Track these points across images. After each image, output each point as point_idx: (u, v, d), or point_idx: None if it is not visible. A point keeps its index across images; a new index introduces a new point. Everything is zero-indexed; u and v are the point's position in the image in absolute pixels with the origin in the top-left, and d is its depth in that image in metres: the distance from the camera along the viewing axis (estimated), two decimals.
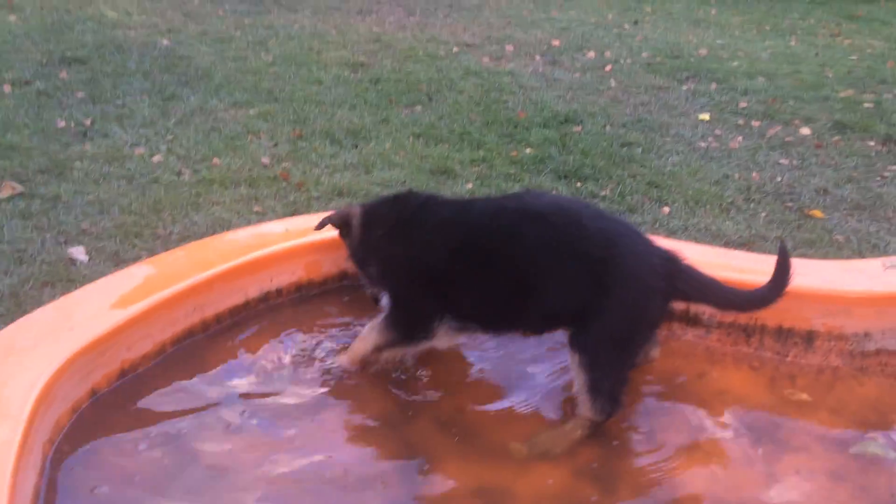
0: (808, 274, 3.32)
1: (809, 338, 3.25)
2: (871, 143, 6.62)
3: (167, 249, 4.39)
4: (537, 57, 9.24)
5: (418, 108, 7.19)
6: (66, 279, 4.08)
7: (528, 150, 6.13)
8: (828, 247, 4.70)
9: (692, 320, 3.35)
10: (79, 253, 4.38)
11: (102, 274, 3.66)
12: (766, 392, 3.11)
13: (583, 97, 7.65)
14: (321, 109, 6.89)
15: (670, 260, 2.86)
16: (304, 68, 8.16)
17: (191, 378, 2.99)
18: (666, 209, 5.22)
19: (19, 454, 2.25)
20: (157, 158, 5.64)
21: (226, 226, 4.59)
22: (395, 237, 2.90)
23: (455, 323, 2.93)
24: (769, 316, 3.27)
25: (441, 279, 2.84)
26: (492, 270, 2.81)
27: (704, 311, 3.34)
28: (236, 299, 3.35)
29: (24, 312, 2.91)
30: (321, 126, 6.48)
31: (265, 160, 5.66)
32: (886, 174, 5.92)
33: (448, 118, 6.85)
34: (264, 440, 2.73)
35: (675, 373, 3.15)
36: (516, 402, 2.99)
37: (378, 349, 2.96)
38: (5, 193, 4.94)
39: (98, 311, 2.87)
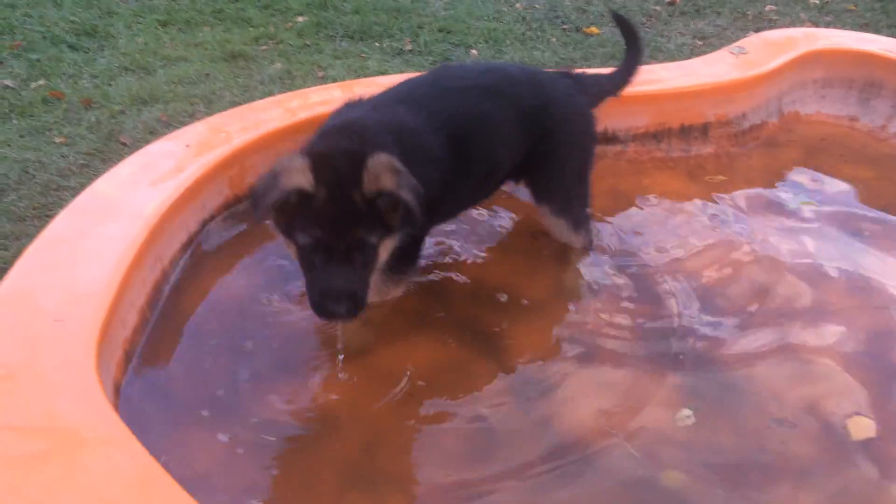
0: (689, 74, 3.75)
1: (705, 130, 3.71)
2: None
3: None
4: None
5: None
6: None
7: (299, 19, 5.66)
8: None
9: (610, 139, 3.61)
10: None
11: None
12: (691, 183, 3.52)
13: None
14: (21, 14, 5.53)
15: (573, 76, 3.01)
16: None
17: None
18: (474, 52, 5.30)
19: None
20: None
21: (37, 167, 3.65)
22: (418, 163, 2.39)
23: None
24: (673, 119, 3.65)
25: (445, 187, 2.54)
26: (476, 154, 2.62)
27: (619, 127, 3.62)
28: (182, 237, 2.80)
29: None
30: (38, 32, 5.25)
31: (8, 82, 4.49)
32: None
33: None
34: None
35: (619, 193, 3.40)
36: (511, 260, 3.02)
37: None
38: None
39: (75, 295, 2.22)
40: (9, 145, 3.82)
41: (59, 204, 3.42)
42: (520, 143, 2.75)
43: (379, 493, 2.07)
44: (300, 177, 2.14)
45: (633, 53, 3.22)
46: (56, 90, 4.41)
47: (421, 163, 2.36)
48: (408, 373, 2.41)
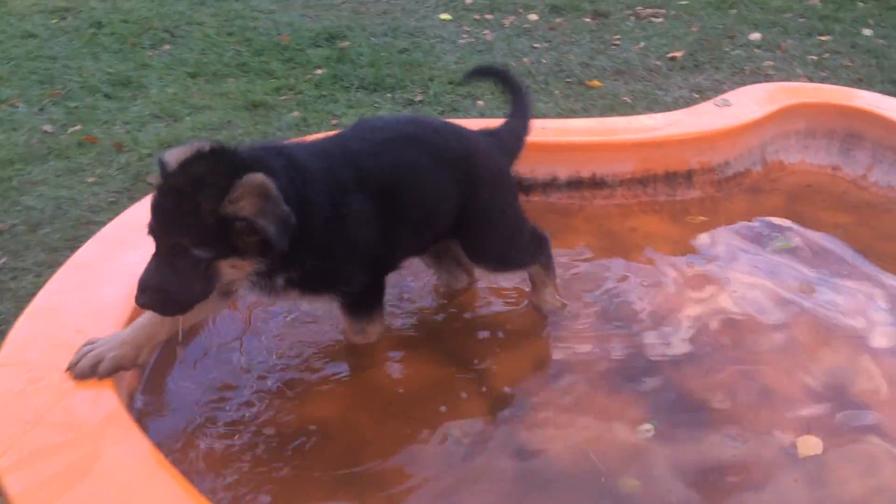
0: (674, 123, 4.01)
1: (689, 176, 3.94)
2: (588, 20, 7.62)
3: (19, 243, 3.76)
4: None
5: (167, 47, 6.58)
6: None
7: (318, 72, 6.05)
8: (624, 108, 5.51)
9: (598, 184, 3.86)
10: None
11: None
12: (675, 225, 3.74)
13: (326, 14, 7.59)
14: (61, 65, 5.99)
15: (495, 135, 3.00)
16: None
17: None
18: (481, 103, 5.63)
19: None
20: None
21: (70, 203, 3.99)
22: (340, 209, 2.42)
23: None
24: (658, 165, 3.89)
25: (380, 236, 2.56)
26: (409, 207, 2.64)
27: (607, 173, 3.87)
28: None
29: None
30: (77, 82, 5.69)
31: (47, 128, 4.90)
32: (617, 42, 6.94)
33: (210, 52, 6.40)
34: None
35: (609, 234, 3.63)
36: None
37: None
38: None
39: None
40: (46, 184, 4.18)
41: (89, 237, 3.68)
42: (450, 190, 2.72)
43: (363, 493, 2.29)
44: (171, 156, 2.15)
45: (521, 104, 3.23)
46: (90, 135, 4.79)
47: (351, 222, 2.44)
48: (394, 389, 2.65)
